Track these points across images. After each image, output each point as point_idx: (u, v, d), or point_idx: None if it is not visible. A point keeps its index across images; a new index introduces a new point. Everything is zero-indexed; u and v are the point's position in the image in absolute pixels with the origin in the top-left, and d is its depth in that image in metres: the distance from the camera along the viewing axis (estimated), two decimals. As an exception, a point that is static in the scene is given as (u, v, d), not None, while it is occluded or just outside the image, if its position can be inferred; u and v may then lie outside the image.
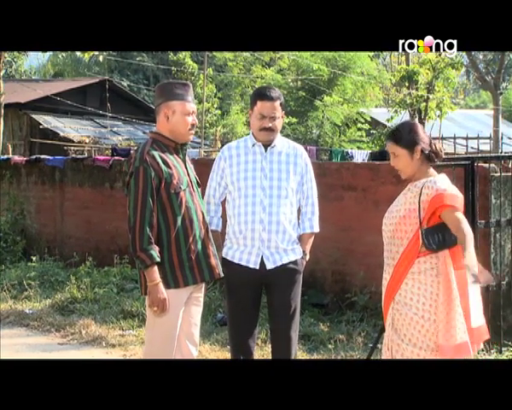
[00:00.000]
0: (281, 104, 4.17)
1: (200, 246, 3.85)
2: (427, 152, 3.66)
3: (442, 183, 3.59)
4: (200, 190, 4.02)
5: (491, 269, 5.91)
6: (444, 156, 3.75)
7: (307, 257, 4.28)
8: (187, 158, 4.00)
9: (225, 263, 4.17)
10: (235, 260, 4.15)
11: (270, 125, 4.14)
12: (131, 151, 4.01)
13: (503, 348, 5.69)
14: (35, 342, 6.55)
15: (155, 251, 3.68)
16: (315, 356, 5.84)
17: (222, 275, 4.01)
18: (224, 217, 4.33)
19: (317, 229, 4.32)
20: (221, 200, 4.32)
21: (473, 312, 3.53)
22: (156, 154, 3.77)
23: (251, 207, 4.11)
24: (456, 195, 3.57)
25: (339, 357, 5.74)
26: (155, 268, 3.68)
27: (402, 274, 3.60)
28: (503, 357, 5.59)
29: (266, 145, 4.20)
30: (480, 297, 3.62)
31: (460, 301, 3.48)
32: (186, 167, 3.93)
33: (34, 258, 9.36)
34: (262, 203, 4.10)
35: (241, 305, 4.17)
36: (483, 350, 5.56)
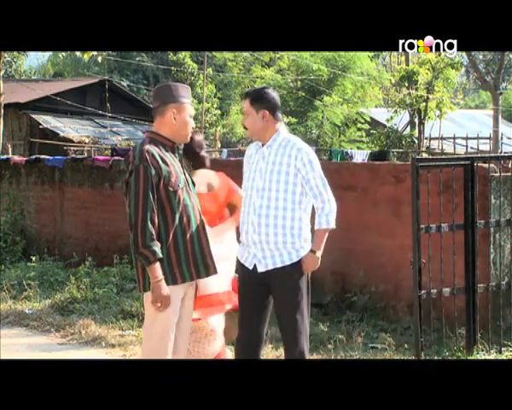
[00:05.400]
0: (253, 100, 4.01)
1: (196, 243, 3.87)
2: None
3: None
4: (195, 189, 4.03)
5: (490, 269, 5.92)
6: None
7: (318, 254, 3.99)
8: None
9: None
10: (239, 258, 4.19)
11: (245, 122, 4.11)
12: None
13: (502, 348, 5.69)
14: (35, 342, 6.54)
15: (158, 247, 3.70)
16: (315, 356, 5.84)
17: (217, 273, 4.00)
18: None
19: (327, 225, 3.99)
20: None
21: (206, 281, 4.05)
22: (155, 152, 3.78)
23: (246, 209, 4.09)
24: None
25: (338, 357, 5.73)
26: (158, 264, 3.69)
27: None
28: (503, 357, 5.59)
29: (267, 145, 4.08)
30: (224, 269, 4.22)
31: None
32: (182, 166, 3.95)
33: (34, 258, 9.34)
34: (254, 205, 4.03)
35: (243, 303, 4.15)
36: (483, 350, 5.57)
